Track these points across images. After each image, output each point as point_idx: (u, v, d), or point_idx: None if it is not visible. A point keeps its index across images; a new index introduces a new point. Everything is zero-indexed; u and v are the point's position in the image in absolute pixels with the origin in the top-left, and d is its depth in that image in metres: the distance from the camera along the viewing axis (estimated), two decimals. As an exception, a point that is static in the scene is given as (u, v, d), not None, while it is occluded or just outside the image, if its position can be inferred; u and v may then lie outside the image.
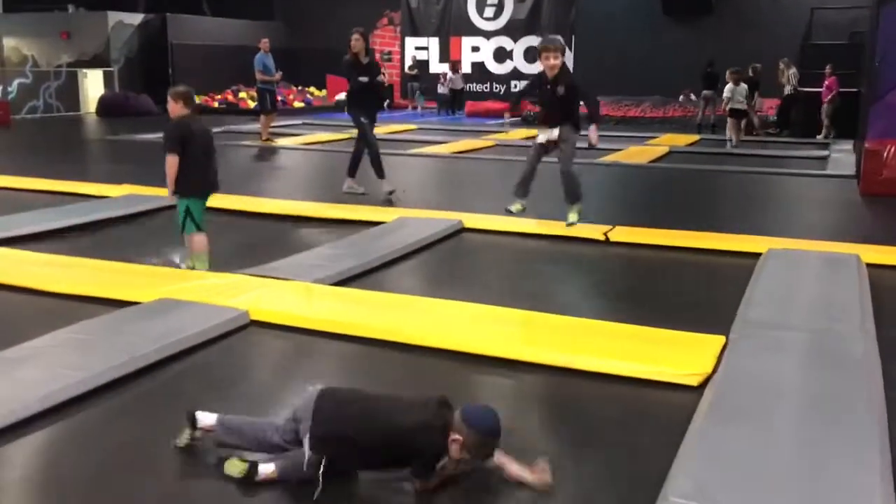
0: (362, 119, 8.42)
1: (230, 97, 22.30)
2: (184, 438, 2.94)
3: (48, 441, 3.15)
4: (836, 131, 14.84)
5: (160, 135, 14.76)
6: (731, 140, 13.67)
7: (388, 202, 8.13)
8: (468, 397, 3.52)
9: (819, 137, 15.03)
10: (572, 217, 6.61)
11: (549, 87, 6.39)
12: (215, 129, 14.97)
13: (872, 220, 7.91)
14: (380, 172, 8.45)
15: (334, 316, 4.47)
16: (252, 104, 21.05)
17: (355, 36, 8.50)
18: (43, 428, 3.21)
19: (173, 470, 2.93)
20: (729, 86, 13.52)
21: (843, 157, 12.04)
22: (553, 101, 6.42)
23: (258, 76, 13.67)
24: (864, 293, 4.84)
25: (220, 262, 5.57)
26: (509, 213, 6.80)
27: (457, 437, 2.67)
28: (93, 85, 21.10)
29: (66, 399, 3.38)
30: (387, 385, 3.66)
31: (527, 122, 19.01)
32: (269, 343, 4.27)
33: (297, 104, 22.33)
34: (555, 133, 6.50)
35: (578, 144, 6.78)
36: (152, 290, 4.76)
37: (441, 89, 22.57)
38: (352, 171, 8.64)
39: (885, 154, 8.85)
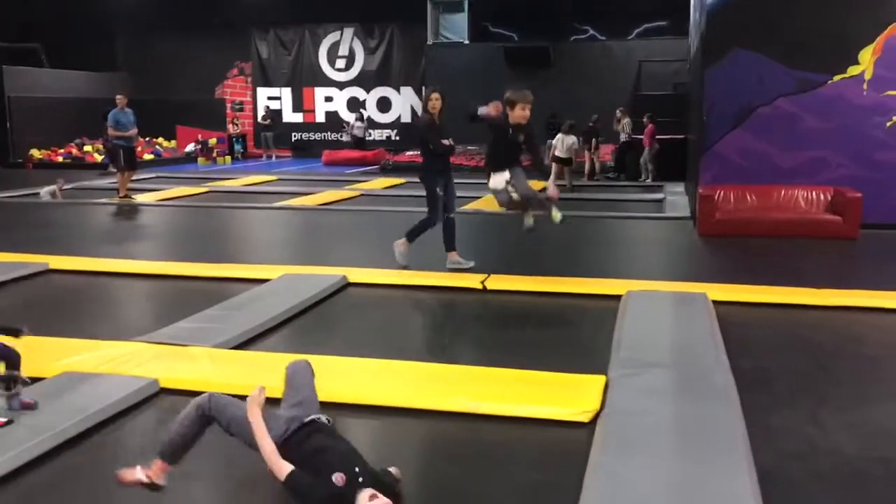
0: (438, 190, 7.63)
1: (74, 151, 21.51)
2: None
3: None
4: (658, 174, 16.29)
5: (6, 194, 14.16)
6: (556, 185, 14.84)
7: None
8: (370, 446, 3.83)
9: (641, 180, 16.44)
10: (557, 215, 6.97)
11: (511, 133, 6.85)
12: (67, 186, 14.61)
13: (711, 259, 8.85)
14: (412, 235, 7.86)
15: (240, 380, 4.61)
16: (99, 158, 20.44)
17: (434, 95, 7.67)
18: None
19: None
20: (559, 135, 14.86)
21: (677, 199, 13.22)
22: (512, 147, 6.91)
23: (110, 132, 13.45)
24: (714, 328, 5.53)
25: (117, 328, 5.58)
26: (531, 230, 7.19)
27: None
28: (-80, 141, 19.79)
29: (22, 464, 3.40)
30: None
31: (385, 170, 19.55)
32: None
33: (147, 156, 21.83)
34: (507, 175, 6.93)
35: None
36: (54, 363, 4.74)
37: (345, 137, 22.95)
38: (450, 245, 7.79)
39: (716, 198, 9.91)
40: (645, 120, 16.60)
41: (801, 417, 4.22)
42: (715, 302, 6.27)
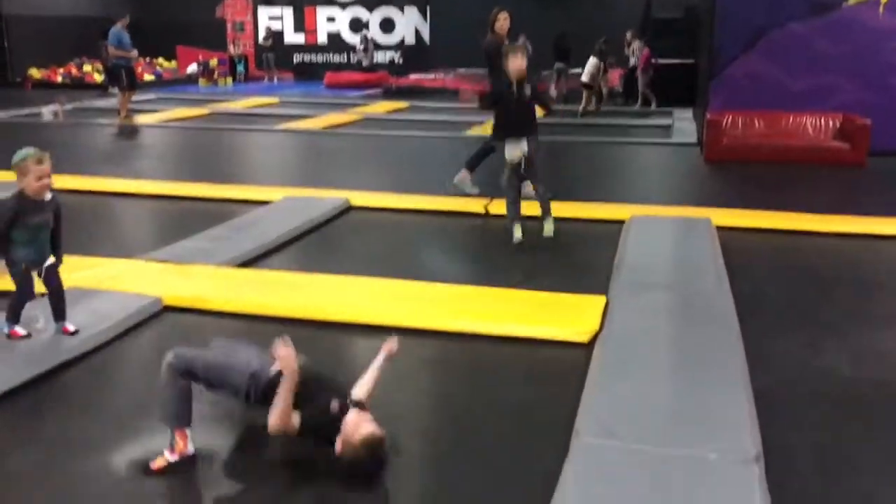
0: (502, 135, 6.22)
1: (74, 71, 21.22)
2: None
3: (-10, 434, 3.24)
4: (656, 99, 15.99)
5: (6, 114, 13.99)
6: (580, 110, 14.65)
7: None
8: (368, 365, 3.88)
9: (636, 107, 16.10)
10: (548, 228, 6.15)
11: (514, 89, 5.81)
12: (68, 106, 14.47)
13: (717, 185, 8.79)
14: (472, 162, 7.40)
15: (245, 297, 4.67)
16: (99, 78, 20.18)
17: (503, 14, 6.86)
18: (-19, 422, 3.29)
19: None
20: (590, 59, 14.51)
21: (684, 125, 13.06)
22: (520, 106, 5.85)
23: (112, 52, 13.24)
24: (716, 253, 5.53)
25: (119, 246, 5.60)
26: (519, 242, 6.04)
27: None
28: (-83, 59, 19.52)
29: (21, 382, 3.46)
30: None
31: (388, 94, 19.30)
32: (187, 328, 4.42)
33: (148, 77, 21.53)
34: (524, 146, 5.88)
35: None
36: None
37: (366, 62, 22.61)
38: (472, 164, 7.36)
39: (724, 124, 9.79)
40: (640, 45, 16.26)
41: (799, 341, 4.25)
42: (719, 227, 6.25)
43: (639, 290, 4.68)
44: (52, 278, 3.95)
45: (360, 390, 3.07)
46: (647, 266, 5.18)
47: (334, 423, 2.84)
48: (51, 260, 3.93)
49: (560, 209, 7.00)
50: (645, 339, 3.95)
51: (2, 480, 2.89)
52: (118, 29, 13.10)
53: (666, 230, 6.11)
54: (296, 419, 2.82)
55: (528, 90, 5.85)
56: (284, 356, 2.82)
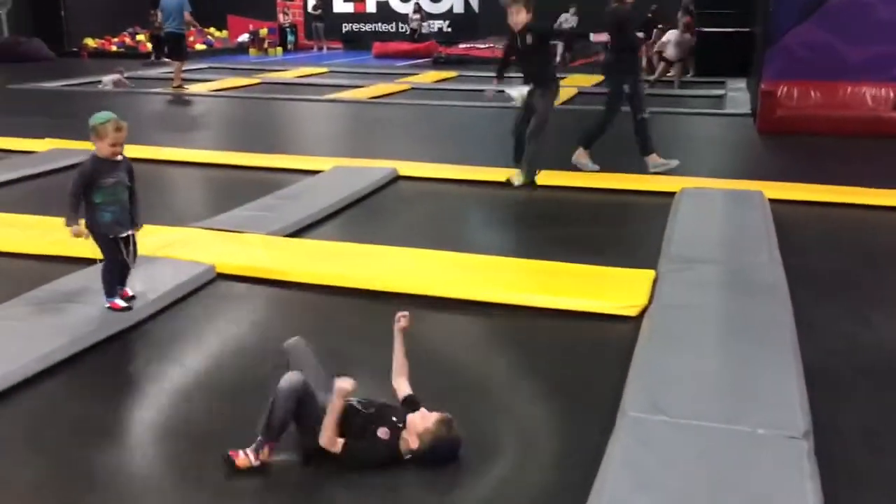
0: (625, 88, 7.12)
1: (128, 40, 21.53)
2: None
3: (58, 389, 3.37)
4: (695, 69, 15.60)
5: (62, 82, 14.37)
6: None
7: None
8: (417, 336, 3.91)
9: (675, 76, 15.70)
10: (517, 179, 6.67)
11: (517, 38, 6.41)
12: (127, 74, 14.73)
13: (770, 157, 8.62)
14: (588, 141, 7.38)
15: (295, 266, 4.74)
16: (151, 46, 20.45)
17: None
18: (46, 382, 3.42)
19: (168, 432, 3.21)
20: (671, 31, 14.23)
21: (738, 95, 12.79)
22: (524, 54, 6.41)
23: (188, 19, 13.17)
24: (769, 227, 5.44)
25: (174, 214, 5.72)
26: (511, 184, 6.70)
27: None
28: (-22, 29, 20.01)
29: (60, 360, 3.58)
30: (349, 329, 4.02)
31: (437, 63, 19.22)
32: (239, 296, 4.51)
33: (199, 46, 21.75)
34: (523, 90, 6.50)
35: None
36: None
37: (422, 31, 22.61)
38: (647, 148, 7.37)
39: (779, 94, 9.56)
40: (680, 13, 15.87)
41: (850, 316, 4.18)
42: (771, 200, 6.14)
43: (689, 263, 4.64)
44: (129, 248, 4.01)
45: (402, 383, 3.06)
46: (698, 239, 5.12)
47: (384, 448, 2.84)
48: (131, 230, 3.99)
49: (610, 180, 6.96)
50: (694, 313, 3.92)
51: (66, 441, 3.01)
52: None
53: (717, 203, 6.03)
54: (339, 442, 2.82)
55: (528, 40, 6.32)
56: (339, 389, 2.79)
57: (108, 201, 3.88)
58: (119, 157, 3.92)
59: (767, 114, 9.48)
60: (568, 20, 17.50)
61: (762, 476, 2.58)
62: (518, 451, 2.95)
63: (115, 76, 14.01)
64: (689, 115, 11.29)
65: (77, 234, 3.88)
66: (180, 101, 12.91)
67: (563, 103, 12.33)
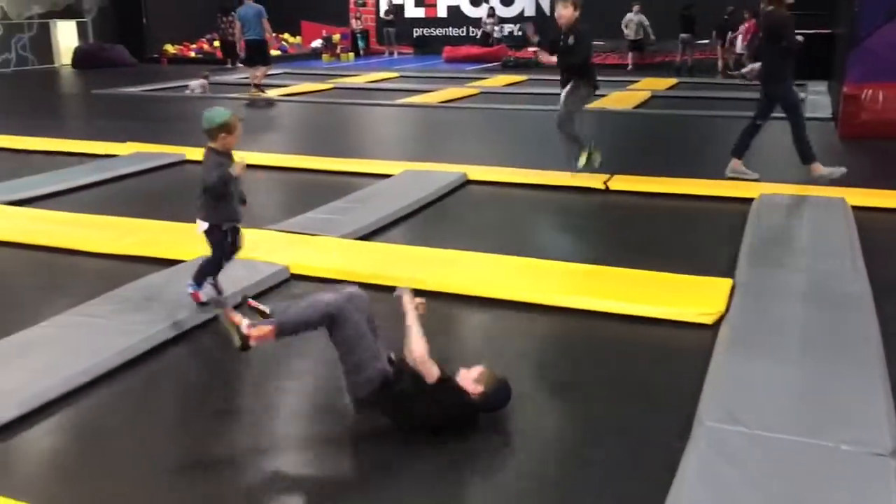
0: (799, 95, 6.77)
1: (206, 46, 22.10)
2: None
3: (141, 380, 3.47)
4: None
5: (143, 88, 14.81)
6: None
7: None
8: (488, 339, 3.90)
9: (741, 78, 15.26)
10: (583, 160, 6.86)
11: (560, 37, 6.50)
12: (200, 81, 15.13)
13: (853, 162, 8.29)
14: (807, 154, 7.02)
15: (366, 269, 4.78)
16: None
17: None
18: (128, 373, 3.53)
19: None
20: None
21: (819, 98, 12.41)
22: (563, 51, 6.49)
23: (266, 26, 13.57)
24: (852, 234, 5.25)
25: (249, 216, 5.82)
26: (578, 169, 6.90)
27: None
28: (65, 36, 20.81)
29: (147, 349, 3.69)
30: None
31: (507, 67, 19.19)
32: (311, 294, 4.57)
33: (274, 52, 22.14)
34: (563, 92, 6.67)
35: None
36: (192, 247, 5.02)
37: (496, 34, 22.67)
38: (740, 151, 7.20)
39: (862, 98, 9.23)
40: (747, 15, 15.42)
41: (943, 330, 4.00)
42: (854, 207, 5.94)
43: (768, 271, 4.51)
44: (237, 240, 4.19)
45: (422, 353, 3.02)
46: (777, 247, 4.99)
47: (463, 393, 3.02)
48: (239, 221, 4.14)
49: (685, 186, 6.83)
50: (774, 323, 3.81)
51: (154, 429, 3.10)
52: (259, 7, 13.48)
53: (797, 210, 5.86)
54: (436, 371, 2.98)
55: (570, 40, 6.34)
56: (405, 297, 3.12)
57: (232, 193, 4.03)
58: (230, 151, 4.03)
59: (850, 118, 9.16)
60: (632, 20, 17.19)
61: (845, 494, 2.48)
62: (590, 457, 2.91)
63: (202, 81, 14.40)
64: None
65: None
66: (256, 105, 13.18)
67: (637, 107, 12.19)
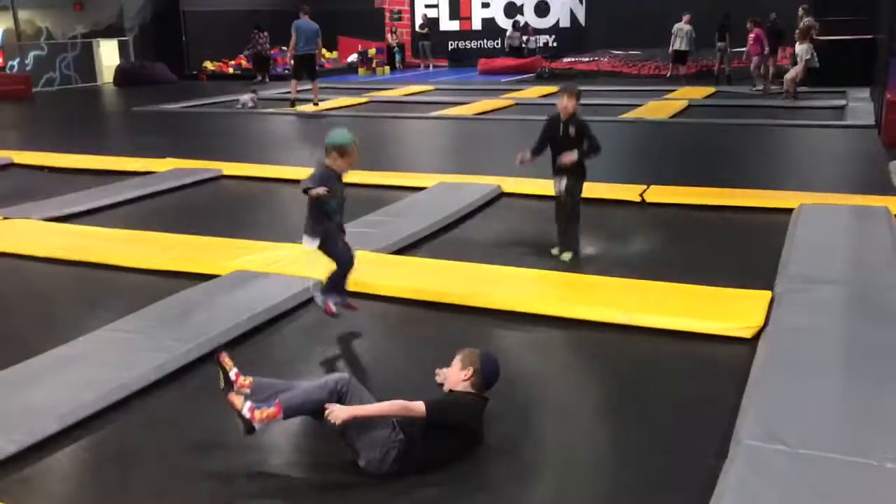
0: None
1: (244, 62, 22.39)
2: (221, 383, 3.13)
3: (176, 397, 3.49)
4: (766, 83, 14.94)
5: (182, 104, 15.03)
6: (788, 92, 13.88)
7: None
8: (525, 355, 3.85)
9: (754, 89, 14.93)
10: (565, 256, 5.51)
11: (560, 127, 5.55)
12: (238, 96, 15.36)
13: (896, 170, 8.13)
14: None
15: (400, 282, 4.77)
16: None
17: None
18: (170, 386, 3.55)
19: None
20: (804, 46, 13.59)
21: (860, 106, 12.18)
22: (563, 142, 5.56)
23: (320, 45, 14.15)
24: (895, 244, 5.12)
25: (281, 231, 5.88)
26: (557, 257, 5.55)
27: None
28: (107, 55, 21.22)
29: (182, 365, 3.72)
30: (451, 345, 3.97)
31: (541, 78, 19.15)
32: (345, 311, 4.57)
33: (312, 67, 22.37)
34: (563, 184, 5.56)
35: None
36: (227, 262, 5.07)
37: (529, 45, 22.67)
38: None
39: (906, 105, 9.03)
40: (749, 25, 15.15)
41: None
42: (898, 217, 5.79)
43: (808, 283, 4.41)
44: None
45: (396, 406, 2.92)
46: (818, 258, 4.87)
47: (460, 394, 3.08)
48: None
49: (725, 197, 6.72)
50: (814, 337, 3.72)
51: (187, 449, 3.11)
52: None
53: (839, 219, 5.73)
54: (420, 405, 2.88)
55: (570, 130, 5.49)
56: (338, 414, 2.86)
57: (335, 208, 4.15)
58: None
59: (893, 125, 8.96)
60: (683, 29, 16.88)
61: (892, 515, 2.40)
62: (627, 473, 2.86)
63: (251, 95, 14.59)
64: (808, 127, 10.81)
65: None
66: (291, 120, 13.31)
67: (674, 115, 12.06)
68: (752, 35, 15.03)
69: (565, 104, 5.61)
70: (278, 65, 21.29)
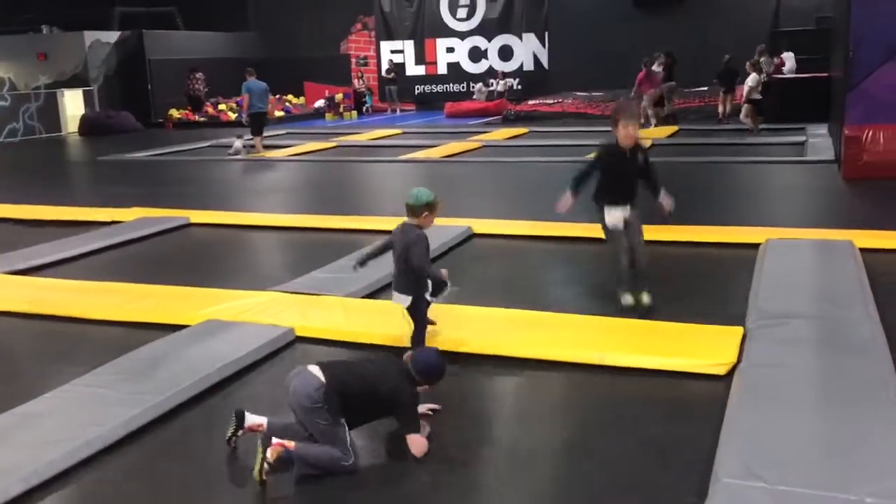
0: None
1: (210, 110, 22.40)
2: (228, 432, 3.31)
3: (146, 452, 3.40)
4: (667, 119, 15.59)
5: (148, 153, 14.96)
6: (752, 128, 14.14)
7: None
8: (497, 397, 3.83)
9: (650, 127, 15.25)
10: (646, 298, 5.12)
11: (626, 156, 5.13)
12: (204, 143, 15.32)
13: (858, 204, 8.29)
14: None
15: (372, 328, 4.74)
16: (233, 115, 21.24)
17: None
18: (135, 442, 3.47)
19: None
20: (754, 76, 13.97)
21: (819, 141, 12.44)
22: (630, 173, 5.21)
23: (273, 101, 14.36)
24: (861, 278, 5.20)
25: (254, 278, 5.82)
26: (624, 307, 5.11)
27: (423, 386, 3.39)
28: (72, 104, 21.11)
29: (152, 419, 3.63)
30: (430, 393, 3.97)
31: (507, 121, 19.37)
32: (318, 358, 4.51)
33: (278, 113, 22.45)
34: (627, 211, 5.18)
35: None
36: (196, 312, 5.00)
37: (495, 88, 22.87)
38: None
39: (864, 139, 9.26)
40: (644, 62, 15.68)
41: (962, 373, 3.92)
42: (862, 250, 5.89)
43: (779, 318, 4.45)
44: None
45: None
46: (787, 293, 4.92)
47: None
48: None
49: (691, 233, 6.79)
50: (787, 371, 3.74)
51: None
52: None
53: (805, 254, 5.81)
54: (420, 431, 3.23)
55: (639, 159, 5.17)
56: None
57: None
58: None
59: (852, 160, 9.17)
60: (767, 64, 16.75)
61: (874, 550, 2.39)
62: (606, 520, 2.83)
63: (241, 141, 14.44)
64: (767, 163, 11.02)
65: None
66: (261, 166, 13.29)
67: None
68: (638, 75, 15.48)
69: (627, 133, 4.99)
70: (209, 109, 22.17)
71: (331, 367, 3.28)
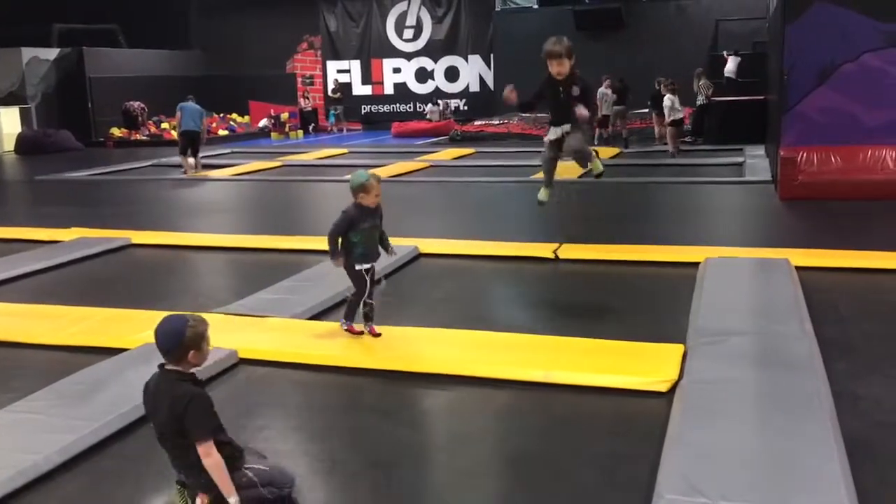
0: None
1: (153, 128, 22.07)
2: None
3: (84, 481, 3.31)
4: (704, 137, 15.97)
5: (88, 172, 14.70)
6: (672, 151, 14.44)
7: None
8: (443, 416, 3.84)
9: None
10: (597, 167, 6.57)
11: (559, 87, 6.13)
12: (146, 163, 15.07)
13: (794, 223, 8.54)
14: None
15: (317, 350, 4.70)
16: (175, 134, 20.96)
17: None
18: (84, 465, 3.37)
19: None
20: (669, 96, 14.28)
21: (757, 162, 12.77)
22: (564, 103, 6.17)
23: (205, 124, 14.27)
24: (797, 295, 5.35)
25: (196, 300, 5.73)
26: (540, 203, 6.69)
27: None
28: (8, 123, 20.60)
29: (91, 445, 3.54)
30: (372, 410, 3.95)
31: (454, 141, 19.49)
32: (261, 380, 4.48)
33: (222, 132, 22.24)
34: (567, 128, 6.23)
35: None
36: (136, 335, 4.89)
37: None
38: None
39: (799, 160, 9.55)
40: (706, 83, 16.14)
41: (890, 386, 4.05)
42: (798, 268, 6.05)
43: (718, 336, 4.54)
44: (373, 277, 4.88)
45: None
46: (726, 310, 5.03)
47: None
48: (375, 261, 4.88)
49: (632, 252, 6.91)
50: (727, 388, 3.82)
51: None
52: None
53: (743, 272, 5.95)
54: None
55: (574, 91, 6.11)
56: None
57: (360, 240, 4.76)
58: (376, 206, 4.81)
59: (788, 180, 9.45)
60: (606, 94, 16.94)
61: (810, 562, 2.45)
62: (551, 539, 2.84)
63: (192, 160, 14.13)
64: (707, 184, 11.28)
65: (338, 265, 4.80)
66: (204, 186, 13.12)
67: (582, 175, 12.39)
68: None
69: (558, 70, 6.08)
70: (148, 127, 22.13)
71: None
